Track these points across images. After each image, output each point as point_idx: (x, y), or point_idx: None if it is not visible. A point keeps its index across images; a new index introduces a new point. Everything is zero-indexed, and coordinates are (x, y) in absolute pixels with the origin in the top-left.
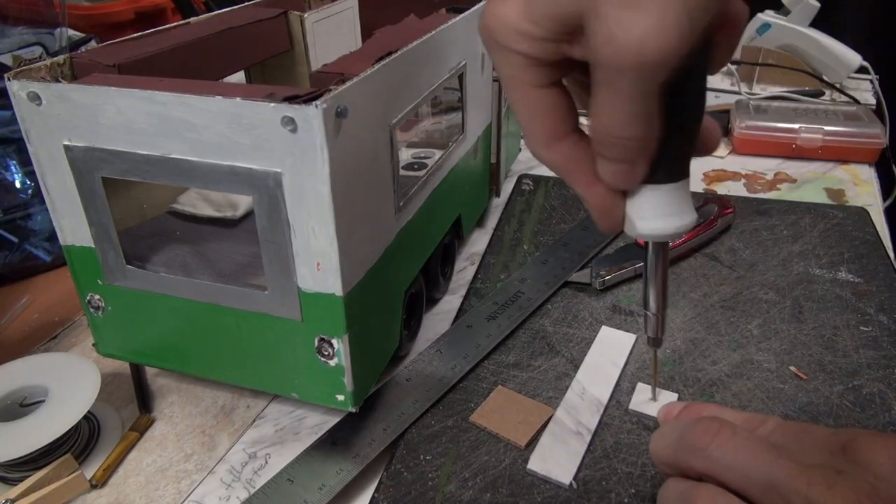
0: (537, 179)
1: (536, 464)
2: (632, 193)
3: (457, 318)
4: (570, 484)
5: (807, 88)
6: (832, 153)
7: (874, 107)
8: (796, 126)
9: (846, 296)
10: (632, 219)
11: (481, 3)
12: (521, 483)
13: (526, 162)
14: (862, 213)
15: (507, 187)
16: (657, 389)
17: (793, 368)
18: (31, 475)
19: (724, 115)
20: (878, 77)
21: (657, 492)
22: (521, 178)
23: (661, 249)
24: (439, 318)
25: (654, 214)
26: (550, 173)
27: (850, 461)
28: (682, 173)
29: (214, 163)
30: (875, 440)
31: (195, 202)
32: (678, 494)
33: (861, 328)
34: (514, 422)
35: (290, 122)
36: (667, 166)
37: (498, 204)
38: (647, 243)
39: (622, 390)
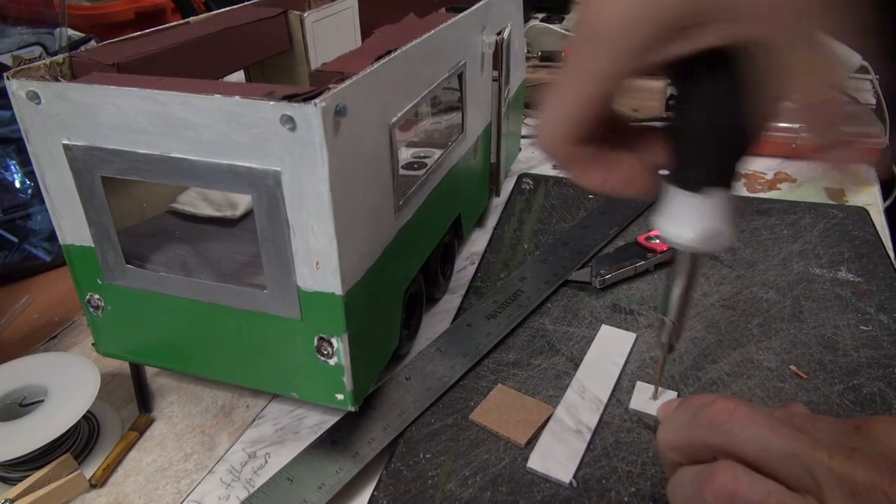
0: (537, 179)
1: (536, 462)
2: (667, 195)
3: (457, 316)
4: (570, 482)
5: None
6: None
7: (874, 107)
8: (796, 126)
9: (846, 295)
10: (664, 220)
11: (480, 3)
12: (520, 481)
13: (526, 161)
14: (862, 213)
15: (507, 186)
16: (658, 388)
17: (793, 368)
18: (30, 475)
19: None
20: (878, 77)
21: (657, 491)
22: (520, 177)
23: (689, 258)
24: (439, 317)
25: (687, 221)
26: (551, 172)
27: (865, 439)
28: (718, 182)
29: (214, 162)
30: (888, 421)
31: (195, 201)
32: (693, 476)
33: (861, 328)
34: (514, 420)
35: (289, 121)
36: (701, 169)
37: (498, 203)
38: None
39: (622, 389)
